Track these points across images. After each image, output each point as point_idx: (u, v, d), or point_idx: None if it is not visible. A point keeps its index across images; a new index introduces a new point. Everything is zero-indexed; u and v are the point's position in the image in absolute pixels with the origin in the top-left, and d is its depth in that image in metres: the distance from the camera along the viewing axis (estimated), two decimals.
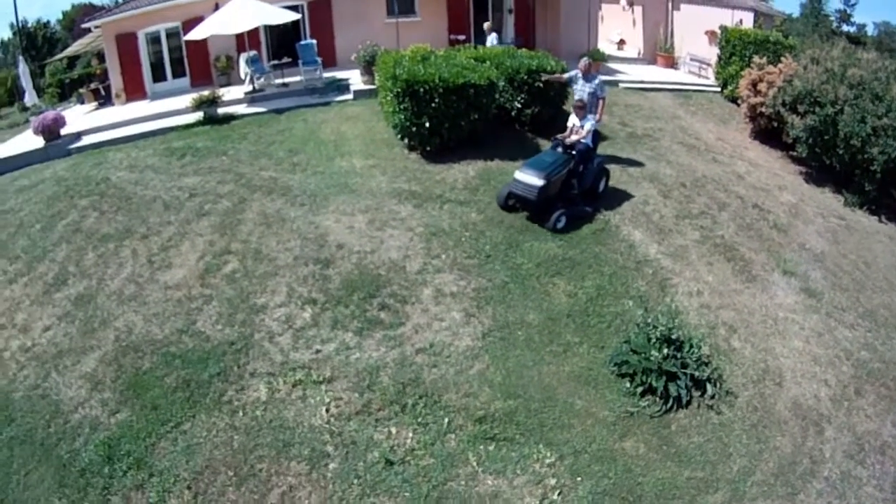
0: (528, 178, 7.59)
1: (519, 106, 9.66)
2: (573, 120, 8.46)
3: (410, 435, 5.24)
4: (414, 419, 5.36)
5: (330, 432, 5.29)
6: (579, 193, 8.13)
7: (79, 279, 7.82)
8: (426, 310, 6.54)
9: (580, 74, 8.92)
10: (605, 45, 16.53)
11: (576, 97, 8.75)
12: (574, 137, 8.18)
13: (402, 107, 8.93)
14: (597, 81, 8.81)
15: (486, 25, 13.56)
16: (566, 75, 9.27)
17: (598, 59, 13.36)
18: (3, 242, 9.16)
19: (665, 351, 5.42)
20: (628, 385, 5.58)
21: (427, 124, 8.83)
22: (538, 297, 6.66)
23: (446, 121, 8.84)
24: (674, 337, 5.58)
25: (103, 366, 6.37)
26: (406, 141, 9.44)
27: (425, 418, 5.37)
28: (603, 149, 9.82)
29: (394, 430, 5.29)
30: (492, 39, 13.06)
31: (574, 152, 7.99)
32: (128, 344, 6.59)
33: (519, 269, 7.07)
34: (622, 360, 5.63)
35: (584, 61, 8.98)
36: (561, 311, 6.49)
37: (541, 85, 9.67)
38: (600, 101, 8.77)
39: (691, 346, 5.65)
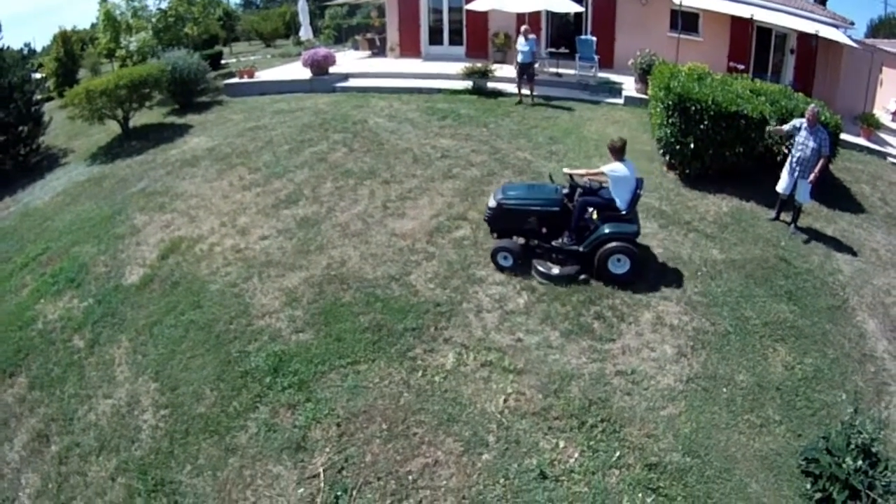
0: (491, 196, 9.93)
1: (786, 151, 11.85)
2: (784, 178, 10.95)
3: (576, 455, 6.94)
4: (587, 440, 7.10)
5: (498, 423, 7.28)
6: (563, 253, 9.62)
7: (310, 203, 11.97)
8: (641, 334, 8.67)
9: (805, 125, 10.77)
10: (879, 113, 19.08)
11: (795, 153, 10.87)
12: (581, 175, 9.77)
13: (670, 121, 12.48)
14: (823, 136, 10.67)
15: (523, 28, 17.40)
16: (786, 126, 11.22)
17: (871, 125, 16.71)
18: (248, 153, 14.42)
19: (859, 463, 6.55)
20: (808, 487, 6.81)
21: (692, 145, 12.16)
22: (755, 359, 8.46)
23: (711, 147, 12.09)
24: (873, 450, 6.72)
25: (305, 286, 9.73)
26: (667, 158, 13.07)
27: (598, 444, 7.07)
28: (856, 224, 11.91)
29: (561, 445, 7.05)
30: (522, 45, 16.78)
31: (580, 197, 9.64)
32: (336, 274, 9.93)
33: (745, 322, 9.04)
34: (813, 458, 6.91)
35: (811, 108, 10.84)
36: (772, 382, 8.11)
37: None
38: (822, 161, 10.71)
39: (886, 468, 6.64)
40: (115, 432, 7.96)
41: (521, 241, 9.87)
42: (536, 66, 19.31)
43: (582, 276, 9.42)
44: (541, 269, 9.50)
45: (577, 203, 9.58)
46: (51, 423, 8.43)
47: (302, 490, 6.76)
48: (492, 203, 9.78)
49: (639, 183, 9.46)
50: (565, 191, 9.74)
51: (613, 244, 9.18)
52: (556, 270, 9.46)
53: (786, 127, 11.16)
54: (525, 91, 17.17)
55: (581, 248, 9.44)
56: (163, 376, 8.56)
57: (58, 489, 7.52)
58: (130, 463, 7.49)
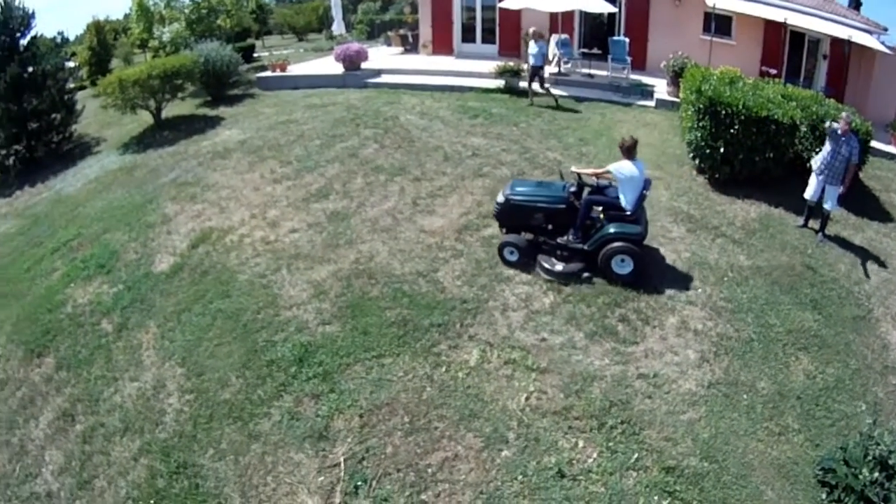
0: (501, 192, 10.28)
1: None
2: (812, 184, 11.03)
3: (595, 455, 7.10)
4: (606, 441, 7.26)
5: (519, 421, 7.49)
6: (568, 250, 9.83)
7: (340, 198, 12.32)
8: (664, 338, 8.83)
9: (839, 132, 10.74)
10: None
11: (824, 159, 10.90)
12: (589, 174, 9.99)
13: (700, 124, 12.69)
14: (854, 143, 10.75)
15: (531, 30, 17.61)
16: (826, 124, 11.16)
17: None
18: (280, 146, 14.83)
19: (876, 475, 6.64)
20: (824, 497, 6.93)
21: (721, 149, 12.33)
22: (777, 367, 8.58)
23: (741, 151, 12.27)
24: (890, 462, 6.77)
25: (333, 279, 10.03)
26: (697, 162, 13.22)
27: (617, 445, 7.22)
28: (884, 233, 11.79)
29: (581, 444, 7.23)
30: (532, 48, 16.96)
31: (586, 196, 9.87)
32: (364, 268, 10.22)
33: (769, 329, 9.17)
34: (830, 468, 7.02)
35: (845, 116, 10.85)
36: (793, 390, 8.23)
37: None
38: (851, 168, 10.81)
39: None
40: (140, 414, 8.28)
41: (529, 237, 10.15)
42: (566, 68, 19.94)
43: (585, 275, 9.64)
44: (545, 265, 9.76)
45: (583, 201, 9.80)
46: (77, 403, 8.79)
47: (322, 478, 6.98)
48: (500, 199, 10.13)
49: (646, 184, 9.64)
50: (573, 189, 9.98)
51: (617, 244, 9.38)
52: (559, 267, 9.71)
53: (827, 124, 11.16)
54: (546, 91, 17.30)
55: (586, 247, 9.67)
56: (189, 362, 8.88)
57: (81, 467, 7.85)
58: (154, 445, 7.80)
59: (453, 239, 10.75)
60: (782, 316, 9.35)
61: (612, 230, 9.45)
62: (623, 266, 9.48)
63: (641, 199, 9.59)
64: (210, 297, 10.01)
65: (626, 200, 9.51)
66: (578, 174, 10.02)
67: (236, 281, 10.26)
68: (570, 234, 9.84)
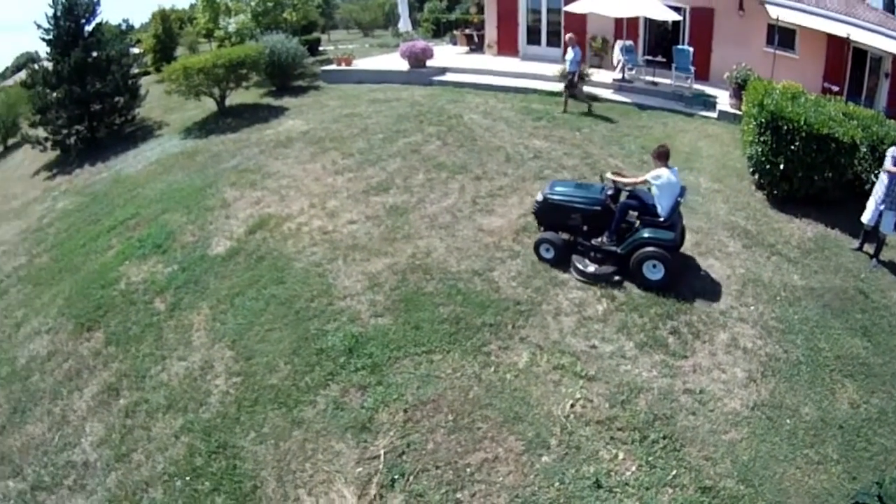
0: (540, 190, 10.69)
1: (874, 181, 11.56)
2: (870, 208, 10.83)
3: (633, 469, 7.05)
4: (646, 455, 7.20)
5: (562, 427, 7.48)
6: (602, 252, 9.97)
7: (400, 192, 12.59)
8: (714, 354, 8.79)
9: (895, 154, 10.59)
10: None
11: (882, 183, 10.77)
12: (626, 183, 10.07)
13: (761, 139, 12.68)
14: None
15: (568, 37, 17.83)
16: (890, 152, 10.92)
17: None
18: (342, 139, 15.21)
19: None
20: None
21: (782, 166, 12.28)
22: (822, 392, 8.39)
23: (801, 169, 12.18)
24: None
25: (389, 272, 10.20)
26: (756, 177, 13.32)
27: (657, 460, 7.16)
28: None
29: (621, 456, 7.18)
30: (569, 53, 17.15)
31: (623, 200, 10.07)
32: (420, 263, 10.39)
33: (818, 353, 9.00)
34: (863, 503, 6.80)
35: None
36: (836, 418, 8.00)
37: None
38: None
39: None
40: (185, 394, 8.52)
41: (566, 236, 10.34)
42: (630, 74, 20.12)
43: (616, 278, 9.75)
44: (578, 265, 9.93)
45: (619, 205, 9.95)
46: (122, 379, 9.10)
47: (360, 469, 7.08)
48: (539, 197, 10.45)
49: (682, 191, 9.73)
50: (610, 192, 10.12)
51: (650, 249, 9.48)
52: (591, 269, 9.85)
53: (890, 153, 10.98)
54: (565, 95, 17.35)
55: (619, 250, 9.78)
56: (239, 345, 9.10)
57: (120, 440, 8.09)
58: (196, 424, 8.01)
59: (511, 239, 10.87)
60: (832, 340, 9.18)
61: (645, 234, 9.57)
62: (654, 272, 9.55)
63: (676, 205, 9.67)
64: (264, 282, 10.26)
65: (661, 207, 9.61)
66: (614, 180, 10.16)
67: (292, 268, 10.51)
68: (604, 236, 9.98)
